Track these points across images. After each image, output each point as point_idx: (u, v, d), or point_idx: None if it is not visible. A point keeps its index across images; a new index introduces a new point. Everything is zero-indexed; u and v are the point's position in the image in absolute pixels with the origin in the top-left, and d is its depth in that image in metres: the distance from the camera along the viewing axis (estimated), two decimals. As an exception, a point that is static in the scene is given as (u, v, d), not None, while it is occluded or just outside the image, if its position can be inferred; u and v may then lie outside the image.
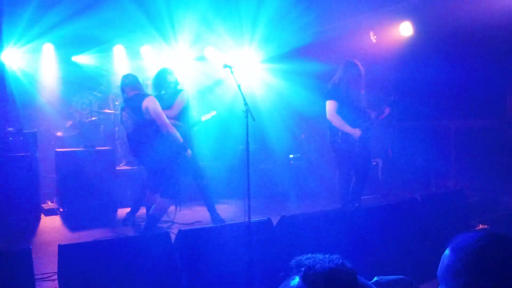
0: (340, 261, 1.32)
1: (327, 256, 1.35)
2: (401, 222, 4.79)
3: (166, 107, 5.83)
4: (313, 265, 1.30)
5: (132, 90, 5.45)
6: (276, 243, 4.13)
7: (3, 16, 7.24)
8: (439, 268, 1.58)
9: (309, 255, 1.37)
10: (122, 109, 5.55)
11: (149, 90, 6.17)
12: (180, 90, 6.17)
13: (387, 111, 5.93)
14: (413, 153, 8.78)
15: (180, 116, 6.06)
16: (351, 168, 6.12)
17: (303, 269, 1.30)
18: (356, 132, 5.85)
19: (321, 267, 1.29)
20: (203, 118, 6.67)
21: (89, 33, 8.23)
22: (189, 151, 5.51)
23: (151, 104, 5.21)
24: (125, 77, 5.61)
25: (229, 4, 7.69)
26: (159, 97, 5.81)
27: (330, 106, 5.95)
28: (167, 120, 5.27)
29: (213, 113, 6.75)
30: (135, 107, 5.29)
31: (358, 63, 6.00)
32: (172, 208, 5.74)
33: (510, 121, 7.47)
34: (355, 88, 5.96)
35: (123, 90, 5.54)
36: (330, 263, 1.31)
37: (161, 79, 6.13)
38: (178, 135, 5.35)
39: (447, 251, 1.58)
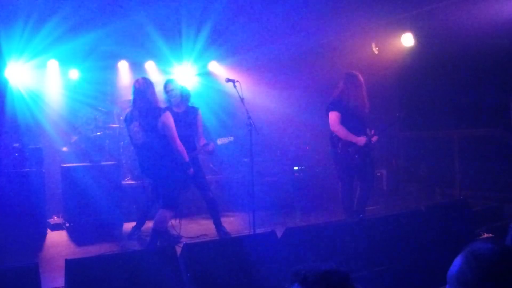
0: (334, 265, 1.42)
1: (320, 263, 1.44)
2: (406, 232, 4.80)
3: (188, 124, 5.94)
4: (310, 269, 1.39)
5: (143, 100, 5.27)
6: (281, 255, 4.13)
7: (4, 32, 7.24)
8: (449, 270, 1.54)
9: (306, 264, 1.45)
10: (133, 118, 5.36)
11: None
12: (197, 109, 6.23)
13: (374, 139, 5.98)
14: (417, 163, 8.79)
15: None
16: (353, 179, 6.13)
17: (302, 274, 1.39)
18: (361, 140, 5.88)
19: (317, 270, 1.39)
20: (219, 142, 6.27)
21: (94, 49, 8.32)
22: (192, 170, 5.54)
23: (167, 120, 5.21)
24: (136, 81, 5.38)
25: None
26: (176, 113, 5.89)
27: (333, 117, 5.99)
28: (177, 138, 5.29)
29: (230, 138, 6.30)
30: (150, 121, 5.22)
31: (359, 74, 6.07)
32: (177, 221, 5.77)
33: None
34: (357, 99, 6.00)
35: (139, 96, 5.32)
36: (325, 267, 1.41)
37: (189, 94, 6.20)
38: (185, 153, 5.39)
39: (460, 257, 1.53)
